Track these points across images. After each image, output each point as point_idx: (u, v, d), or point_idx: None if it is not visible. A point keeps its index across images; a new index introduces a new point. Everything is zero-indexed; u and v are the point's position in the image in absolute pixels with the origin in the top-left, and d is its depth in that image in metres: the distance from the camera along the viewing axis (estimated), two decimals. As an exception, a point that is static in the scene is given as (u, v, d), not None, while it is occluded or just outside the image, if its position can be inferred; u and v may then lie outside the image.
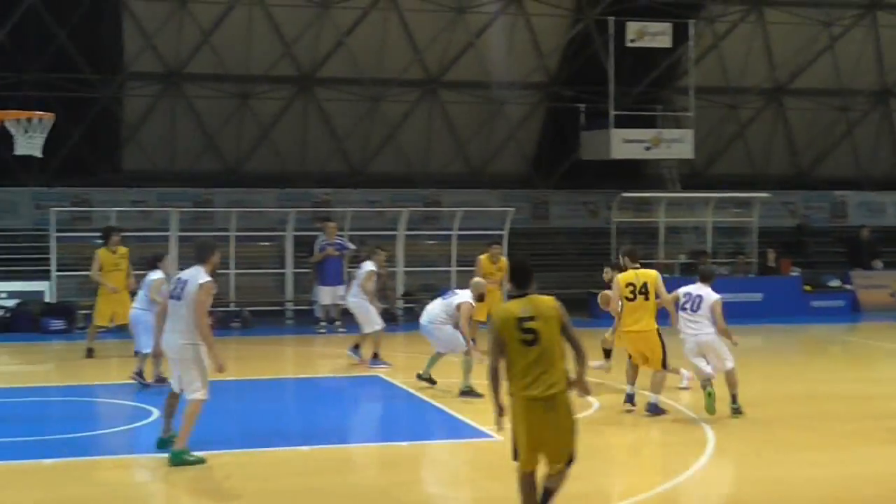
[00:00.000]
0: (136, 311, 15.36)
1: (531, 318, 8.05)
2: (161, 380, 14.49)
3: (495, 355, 8.12)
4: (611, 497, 10.18)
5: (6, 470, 10.90)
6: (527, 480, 8.19)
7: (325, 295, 22.92)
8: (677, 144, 29.47)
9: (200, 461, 10.90)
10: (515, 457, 8.16)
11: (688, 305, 13.53)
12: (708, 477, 10.90)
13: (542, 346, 8.00)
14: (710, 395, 13.18)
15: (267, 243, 27.47)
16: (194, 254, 11.21)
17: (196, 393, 10.82)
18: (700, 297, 13.53)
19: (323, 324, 23.03)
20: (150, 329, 12.91)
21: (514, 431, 8.12)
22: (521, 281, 8.35)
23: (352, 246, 23.30)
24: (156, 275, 14.94)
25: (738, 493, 10.47)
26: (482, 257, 20.05)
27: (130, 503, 10.11)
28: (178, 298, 10.84)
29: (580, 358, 8.29)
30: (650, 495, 10.00)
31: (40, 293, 22.97)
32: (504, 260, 19.71)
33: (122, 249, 18.60)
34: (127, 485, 10.74)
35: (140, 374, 15.41)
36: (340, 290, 22.18)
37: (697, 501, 10.40)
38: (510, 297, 8.52)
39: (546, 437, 8.01)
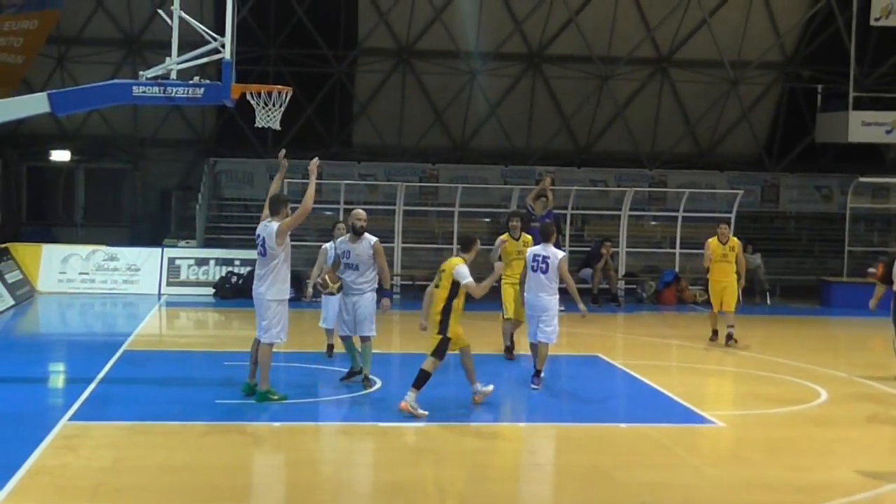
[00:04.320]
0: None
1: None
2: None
3: None
4: (834, 491, 9.82)
5: (274, 430, 11.45)
6: None
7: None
8: (921, 128, 28.12)
9: (284, 398, 12.33)
10: None
11: None
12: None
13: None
14: None
15: (488, 220, 27.74)
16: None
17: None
18: None
19: None
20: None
21: None
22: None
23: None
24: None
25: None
26: (710, 241, 18.56)
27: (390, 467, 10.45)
28: None
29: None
30: (882, 492, 9.61)
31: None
32: (735, 240, 18.44)
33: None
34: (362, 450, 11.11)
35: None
36: None
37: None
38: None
39: None
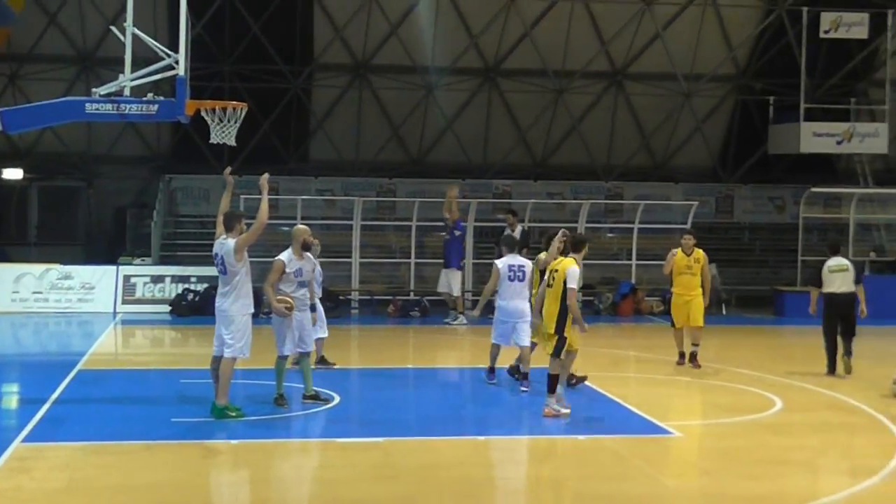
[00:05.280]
0: None
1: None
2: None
3: None
4: (790, 500, 9.88)
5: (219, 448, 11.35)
6: None
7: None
8: (871, 139, 28.50)
9: (241, 414, 12.24)
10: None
11: None
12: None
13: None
14: None
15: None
16: None
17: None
18: None
19: None
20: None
21: None
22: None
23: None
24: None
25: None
26: (673, 252, 17.42)
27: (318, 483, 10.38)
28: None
29: None
30: (835, 498, 9.68)
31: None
32: (700, 252, 17.18)
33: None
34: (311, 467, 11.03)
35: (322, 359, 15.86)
36: None
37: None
38: None
39: None
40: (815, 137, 28.24)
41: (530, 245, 18.95)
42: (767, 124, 29.69)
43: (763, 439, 12.17)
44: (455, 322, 22.62)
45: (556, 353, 12.66)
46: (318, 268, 14.66)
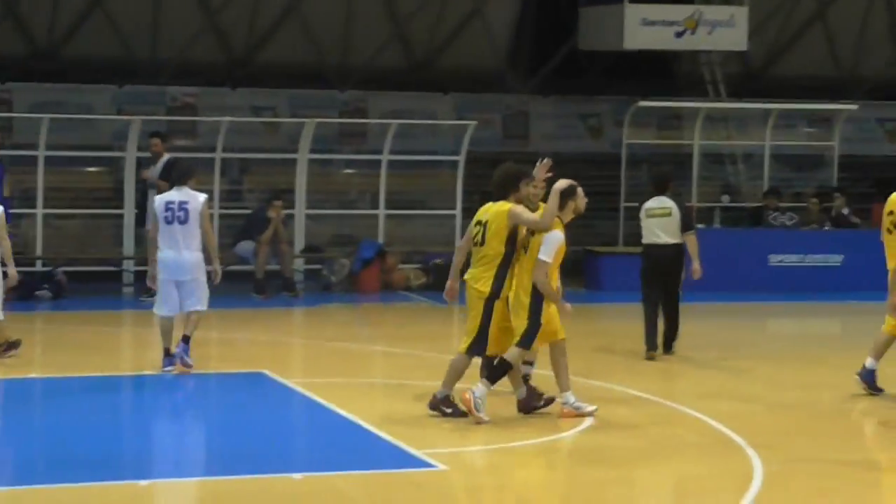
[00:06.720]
0: None
1: None
2: None
3: None
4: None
5: None
6: None
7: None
8: (724, 30, 29.35)
9: None
10: None
11: None
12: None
13: None
14: None
15: (95, 168, 27.24)
16: None
17: None
18: None
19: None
20: None
21: None
22: None
23: None
24: None
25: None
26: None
27: None
28: None
29: None
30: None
31: None
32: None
33: None
34: None
35: None
36: None
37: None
38: None
39: None
40: (645, 27, 28.85)
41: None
42: (577, 6, 30.18)
43: (567, 472, 12.34)
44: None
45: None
46: None
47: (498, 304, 13.80)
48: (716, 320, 22.52)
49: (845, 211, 27.31)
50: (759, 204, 27.71)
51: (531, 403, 14.21)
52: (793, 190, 29.94)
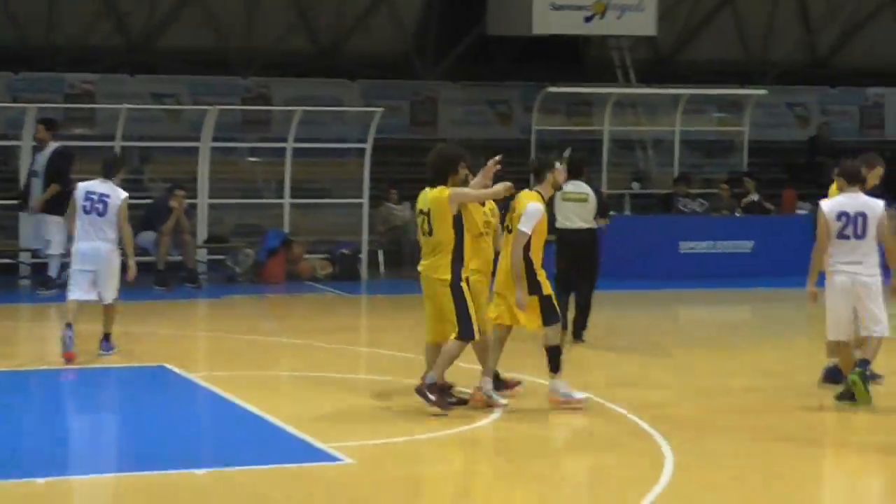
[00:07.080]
0: None
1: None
2: None
3: None
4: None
5: None
6: None
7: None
8: (633, 14, 29.46)
9: None
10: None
11: None
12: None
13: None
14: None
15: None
16: None
17: None
18: None
19: None
20: None
21: None
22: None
23: None
24: None
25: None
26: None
27: None
28: None
29: None
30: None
31: None
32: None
33: None
34: None
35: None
36: None
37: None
38: None
39: None
40: (555, 12, 28.94)
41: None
42: (484, -9, 30.24)
43: (476, 463, 12.32)
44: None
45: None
46: None
47: (462, 286, 13.69)
48: (626, 308, 22.70)
49: (755, 197, 27.44)
50: (670, 190, 27.88)
51: (445, 396, 14.07)
52: (703, 176, 30.11)
